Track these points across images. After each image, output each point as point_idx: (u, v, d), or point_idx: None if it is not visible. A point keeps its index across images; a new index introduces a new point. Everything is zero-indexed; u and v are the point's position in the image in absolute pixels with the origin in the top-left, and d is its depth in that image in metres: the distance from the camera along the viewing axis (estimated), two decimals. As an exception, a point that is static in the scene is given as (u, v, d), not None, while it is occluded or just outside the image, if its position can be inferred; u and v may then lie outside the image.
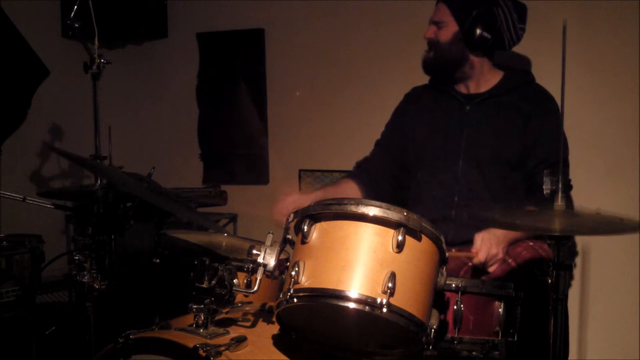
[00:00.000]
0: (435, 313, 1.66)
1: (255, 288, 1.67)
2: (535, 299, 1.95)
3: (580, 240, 3.25)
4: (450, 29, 2.41)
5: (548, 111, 2.40)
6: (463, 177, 2.42)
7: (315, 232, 1.63)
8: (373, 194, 2.51)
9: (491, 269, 2.15)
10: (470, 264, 2.17)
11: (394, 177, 2.63)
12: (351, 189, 2.56)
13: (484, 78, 2.49)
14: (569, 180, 2.36)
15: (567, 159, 2.36)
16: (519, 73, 2.53)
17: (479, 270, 2.16)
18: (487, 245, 2.11)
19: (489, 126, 2.42)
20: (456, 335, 1.91)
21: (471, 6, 2.39)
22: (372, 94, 3.81)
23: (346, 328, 1.70)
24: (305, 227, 1.62)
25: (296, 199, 2.28)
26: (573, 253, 3.16)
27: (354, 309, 1.55)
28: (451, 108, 2.49)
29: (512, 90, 2.45)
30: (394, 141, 2.63)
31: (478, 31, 2.37)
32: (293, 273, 1.59)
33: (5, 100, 3.48)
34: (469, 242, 2.23)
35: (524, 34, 2.45)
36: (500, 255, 2.14)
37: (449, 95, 2.53)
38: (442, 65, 2.47)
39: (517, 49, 2.55)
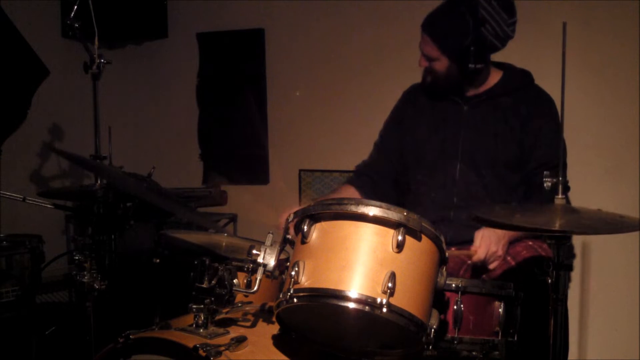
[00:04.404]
0: (435, 313, 1.66)
1: (255, 288, 1.67)
2: (535, 299, 1.95)
3: (580, 240, 3.25)
4: (442, 63, 2.35)
5: (546, 114, 2.37)
6: (461, 179, 2.40)
7: (315, 232, 1.63)
8: (376, 199, 2.47)
9: (492, 267, 2.14)
10: (469, 261, 2.17)
11: (395, 181, 2.59)
12: (352, 195, 2.52)
13: (483, 79, 2.46)
14: (567, 182, 2.35)
15: (565, 161, 2.34)
16: (517, 73, 2.50)
17: (479, 268, 2.15)
18: (487, 242, 2.11)
19: (486, 128, 2.39)
20: (456, 335, 1.90)
21: (458, 39, 2.29)
22: (372, 94, 3.81)
23: (346, 328, 1.70)
24: (305, 227, 1.62)
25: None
26: (570, 255, 3.15)
27: (354, 309, 1.54)
28: (449, 109, 2.46)
29: (510, 92, 2.42)
30: (393, 144, 2.59)
31: (471, 65, 2.31)
32: (293, 273, 1.59)
33: (5, 100, 3.48)
34: (468, 242, 2.23)
35: (516, 25, 2.37)
36: (500, 253, 2.13)
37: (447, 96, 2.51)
38: (442, 90, 2.44)
39: (516, 47, 2.53)
